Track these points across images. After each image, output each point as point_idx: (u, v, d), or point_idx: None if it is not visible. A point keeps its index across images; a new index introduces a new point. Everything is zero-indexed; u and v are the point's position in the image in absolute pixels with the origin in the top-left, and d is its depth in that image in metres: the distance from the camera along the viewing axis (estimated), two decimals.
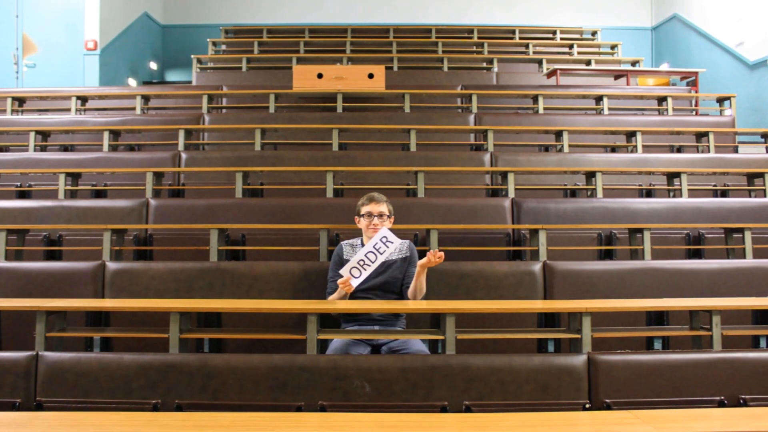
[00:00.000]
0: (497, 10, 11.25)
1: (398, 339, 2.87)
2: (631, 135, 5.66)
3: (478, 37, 9.51)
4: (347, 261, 3.00)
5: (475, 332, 2.89)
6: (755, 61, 8.26)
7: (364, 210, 3.12)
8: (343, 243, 3.18)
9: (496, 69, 8.30)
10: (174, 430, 1.88)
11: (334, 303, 3.00)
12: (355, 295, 2.98)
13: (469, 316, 3.15)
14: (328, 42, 9.28)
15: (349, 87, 6.49)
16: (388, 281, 3.04)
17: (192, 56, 8.24)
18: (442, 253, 2.85)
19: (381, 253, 2.89)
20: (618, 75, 8.03)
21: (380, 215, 3.08)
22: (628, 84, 7.75)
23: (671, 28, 10.72)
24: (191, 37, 11.09)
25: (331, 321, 3.12)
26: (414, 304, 3.03)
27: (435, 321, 3.09)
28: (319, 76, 6.57)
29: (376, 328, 2.97)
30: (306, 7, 11.31)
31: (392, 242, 2.90)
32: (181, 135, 5.51)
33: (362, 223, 3.13)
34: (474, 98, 6.39)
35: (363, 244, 3.10)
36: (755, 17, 8.34)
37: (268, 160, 5.07)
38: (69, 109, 6.53)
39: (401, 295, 3.07)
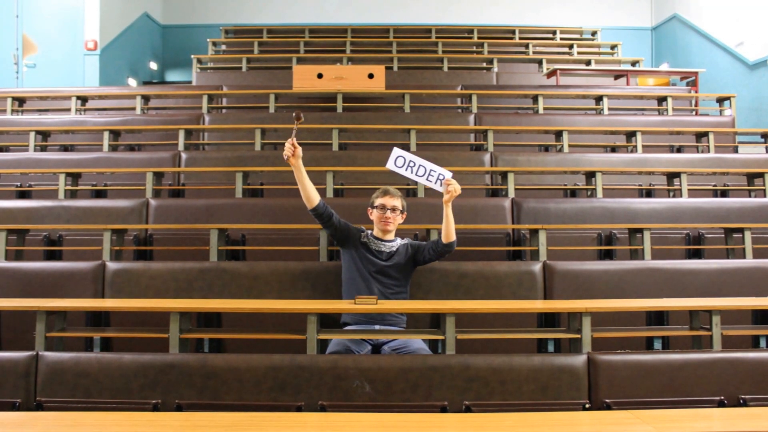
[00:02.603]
0: (497, 10, 11.25)
1: (398, 339, 2.87)
2: (631, 135, 5.66)
3: (478, 37, 9.51)
4: (354, 232, 3.12)
5: (475, 332, 2.88)
6: (755, 61, 8.26)
7: (378, 202, 3.16)
8: (364, 228, 3.22)
9: (496, 69, 8.29)
10: (174, 430, 1.88)
11: (334, 303, 3.00)
12: (367, 283, 3.01)
13: (469, 316, 3.15)
14: (328, 42, 9.27)
15: (349, 87, 6.48)
16: (391, 270, 3.07)
17: (192, 56, 8.23)
18: (453, 181, 3.03)
19: (421, 176, 3.12)
20: (618, 75, 8.03)
21: (393, 209, 3.14)
22: (628, 84, 7.75)
23: (671, 28, 10.72)
24: (191, 37, 11.08)
25: (331, 321, 3.12)
26: (414, 304, 3.04)
27: (435, 321, 3.09)
28: (319, 76, 6.57)
29: (377, 327, 2.97)
30: (306, 7, 11.30)
31: (435, 186, 3.12)
32: (181, 135, 5.51)
33: (375, 215, 3.17)
34: (474, 98, 6.38)
35: (374, 236, 3.15)
36: (755, 17, 8.34)
37: (268, 160, 5.07)
38: (69, 109, 6.53)
39: (406, 288, 3.11)
